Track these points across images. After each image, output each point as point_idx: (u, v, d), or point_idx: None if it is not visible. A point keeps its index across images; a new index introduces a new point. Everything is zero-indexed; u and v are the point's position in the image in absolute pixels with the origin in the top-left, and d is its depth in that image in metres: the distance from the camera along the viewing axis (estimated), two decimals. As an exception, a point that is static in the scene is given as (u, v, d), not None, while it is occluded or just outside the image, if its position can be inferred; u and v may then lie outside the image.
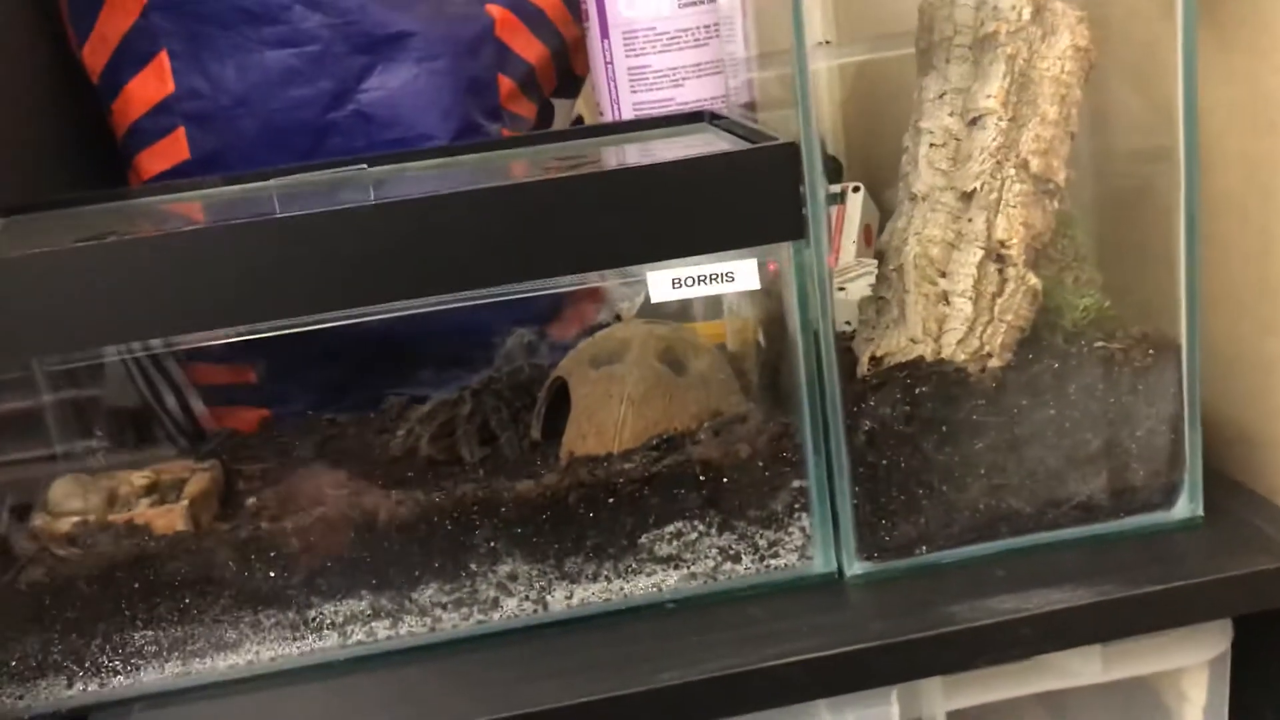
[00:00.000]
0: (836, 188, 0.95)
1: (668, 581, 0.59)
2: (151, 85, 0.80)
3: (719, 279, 0.56)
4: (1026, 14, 0.60)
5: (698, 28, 0.82)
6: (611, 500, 0.59)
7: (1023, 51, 0.60)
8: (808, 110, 0.55)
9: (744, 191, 0.55)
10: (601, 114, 0.87)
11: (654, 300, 0.56)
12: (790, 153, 0.55)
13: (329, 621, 0.58)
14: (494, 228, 0.54)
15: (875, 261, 0.89)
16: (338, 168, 0.71)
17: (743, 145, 0.62)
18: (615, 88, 0.85)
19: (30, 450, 0.69)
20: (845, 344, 0.65)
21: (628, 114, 0.84)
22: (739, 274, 0.56)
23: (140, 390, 0.78)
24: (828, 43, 0.82)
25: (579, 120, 1.01)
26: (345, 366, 0.80)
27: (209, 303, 0.53)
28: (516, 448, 0.68)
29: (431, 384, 0.80)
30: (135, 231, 0.60)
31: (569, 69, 0.93)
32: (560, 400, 0.68)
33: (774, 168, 0.55)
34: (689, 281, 0.56)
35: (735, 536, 0.59)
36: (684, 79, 0.83)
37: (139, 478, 0.67)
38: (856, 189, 1.00)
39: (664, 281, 0.56)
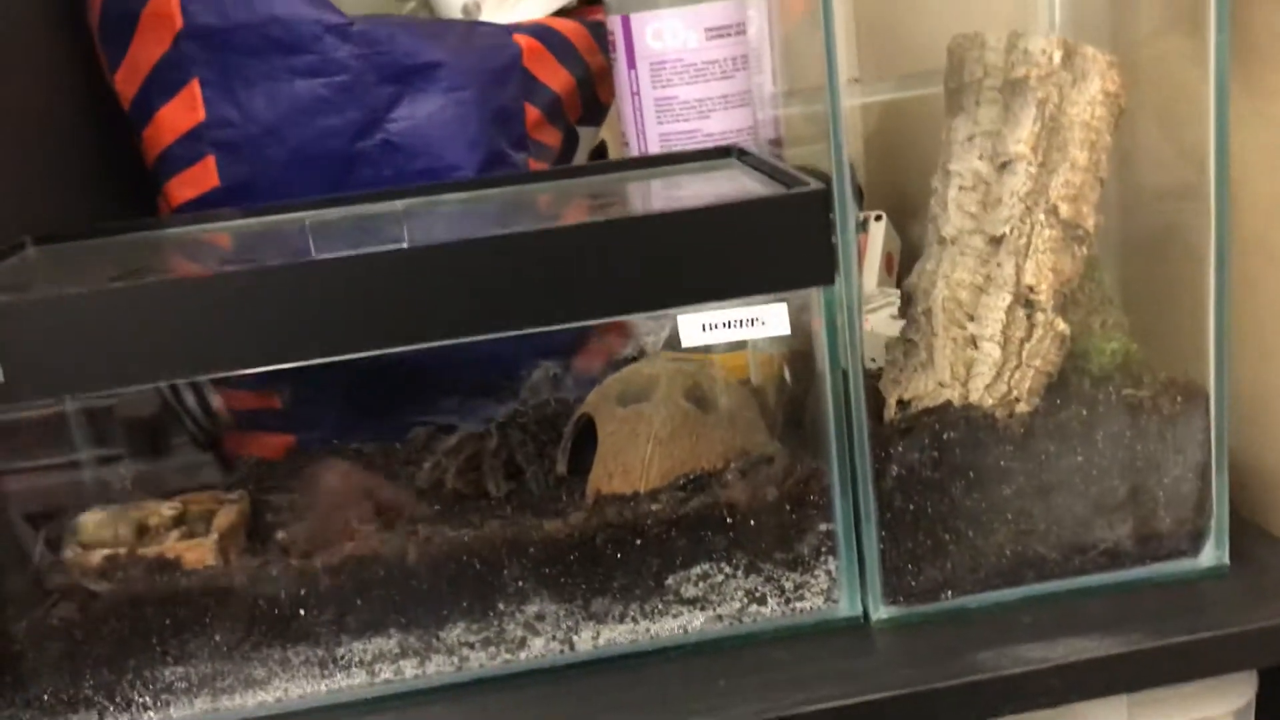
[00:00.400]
0: (859, 215, 0.95)
1: (694, 623, 0.59)
2: (182, 113, 0.81)
3: (749, 324, 0.56)
4: (1057, 58, 0.60)
5: (725, 59, 0.82)
6: (639, 541, 0.59)
7: (1053, 96, 0.60)
8: (840, 154, 0.56)
9: (775, 236, 0.55)
10: (627, 143, 0.87)
11: (684, 345, 0.56)
12: (821, 198, 0.55)
13: (357, 659, 0.58)
14: (527, 272, 0.54)
15: (897, 292, 0.90)
16: (368, 202, 0.73)
17: (772, 186, 0.62)
18: (642, 118, 0.85)
19: (53, 455, 0.70)
20: (871, 382, 0.65)
21: (654, 144, 0.85)
22: (769, 319, 0.56)
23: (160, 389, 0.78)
24: (856, 80, 0.82)
25: (602, 146, 1.01)
26: (370, 393, 0.80)
27: (245, 343, 0.54)
28: (542, 483, 0.68)
29: (456, 412, 0.81)
30: (169, 268, 0.61)
31: (594, 97, 0.93)
32: (586, 435, 0.68)
33: (805, 213, 0.55)
34: (719, 326, 0.56)
35: (761, 579, 0.60)
36: (711, 110, 0.83)
37: (168, 508, 0.67)
38: (879, 217, 1.00)
39: (694, 325, 0.56)
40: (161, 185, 0.83)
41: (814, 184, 0.56)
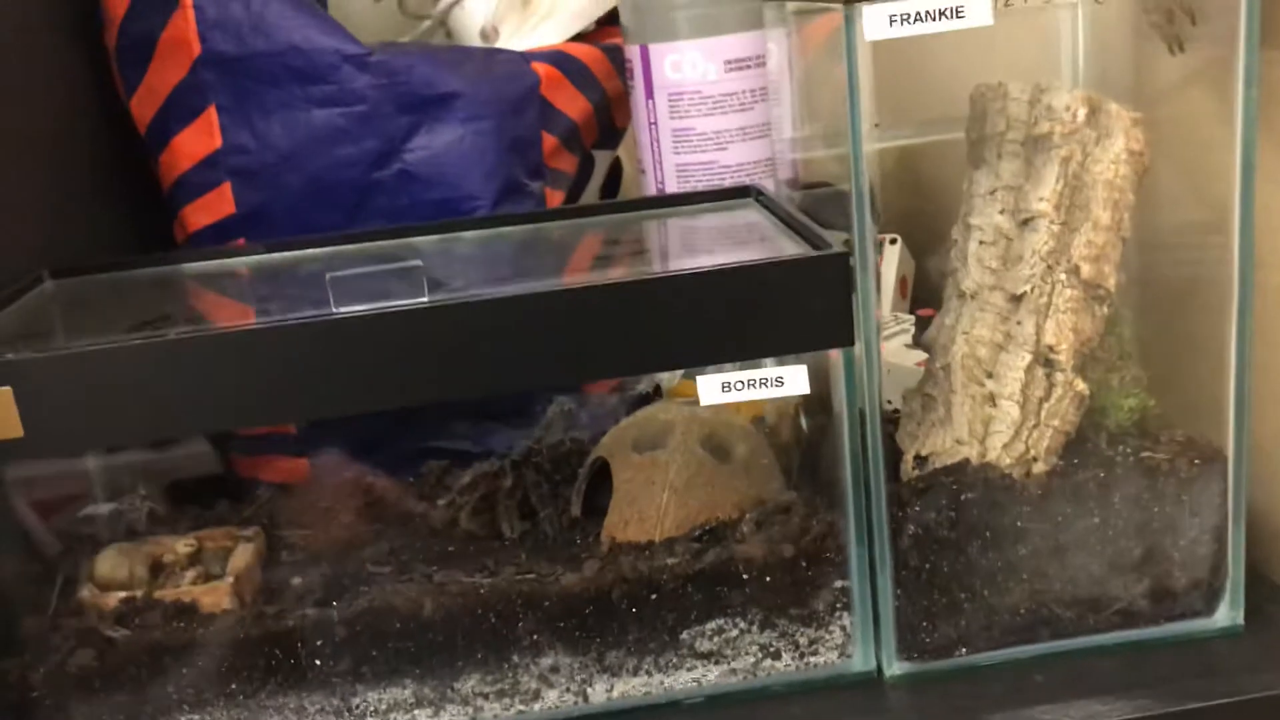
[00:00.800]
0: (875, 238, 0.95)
1: (708, 677, 0.60)
2: (199, 140, 0.81)
3: (769, 384, 0.56)
4: (1081, 115, 0.60)
5: (743, 91, 0.82)
6: (654, 596, 0.59)
7: (1077, 154, 0.60)
8: (863, 206, 0.56)
9: (797, 298, 0.55)
10: (643, 171, 0.87)
11: (704, 404, 0.56)
12: (843, 261, 0.55)
13: (372, 709, 0.59)
14: (548, 330, 0.54)
15: (911, 317, 0.89)
16: (384, 238, 0.72)
17: (790, 237, 0.62)
18: (659, 148, 0.85)
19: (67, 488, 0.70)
20: (888, 430, 0.65)
21: (671, 175, 0.84)
22: (789, 379, 0.56)
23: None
24: (876, 126, 0.82)
25: (617, 164, 1.01)
26: (383, 418, 0.80)
27: (265, 398, 0.54)
28: (556, 525, 0.68)
29: (468, 437, 0.81)
30: (190, 315, 0.61)
31: (610, 122, 0.93)
32: (600, 476, 0.68)
33: (827, 275, 0.55)
34: (739, 386, 0.56)
35: (776, 633, 0.60)
36: (728, 142, 0.83)
37: (183, 545, 0.67)
38: (894, 240, 1.00)
39: (714, 385, 0.56)
40: (177, 211, 0.83)
41: (836, 246, 0.56)
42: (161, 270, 0.71)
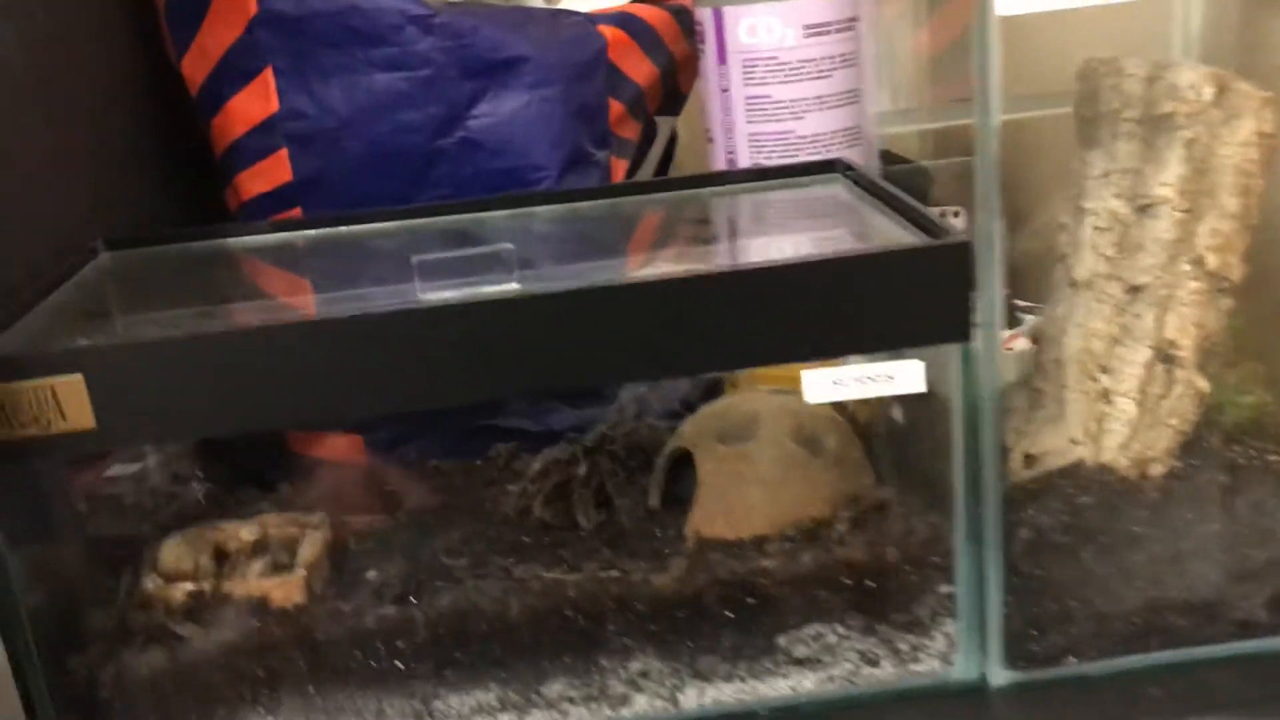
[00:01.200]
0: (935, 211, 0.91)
1: (804, 684, 0.57)
2: (255, 103, 0.77)
3: (881, 380, 0.53)
4: (1208, 94, 0.56)
5: (823, 58, 0.78)
6: (749, 598, 0.56)
7: (1202, 136, 0.56)
8: (992, 190, 0.52)
9: (912, 289, 0.52)
10: (711, 139, 0.83)
11: (808, 400, 0.53)
12: (964, 252, 0.52)
13: (455, 713, 0.56)
14: (649, 320, 0.51)
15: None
16: (454, 212, 0.69)
17: (889, 216, 0.59)
18: (731, 116, 0.81)
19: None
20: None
21: (743, 145, 0.81)
22: (902, 376, 0.53)
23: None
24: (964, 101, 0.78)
25: (674, 137, 0.97)
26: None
27: (352, 389, 0.51)
28: (635, 516, 0.65)
29: (527, 415, 0.78)
30: (258, 292, 0.58)
31: (675, 86, 0.89)
32: (678, 466, 0.65)
33: (946, 265, 0.52)
34: (849, 382, 0.53)
35: (876, 639, 0.57)
36: (805, 111, 0.79)
37: (246, 532, 0.65)
38: (956, 214, 0.96)
39: (822, 382, 0.53)
40: (231, 177, 0.79)
41: (956, 234, 0.52)
42: (222, 244, 0.67)
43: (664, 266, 0.62)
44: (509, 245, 0.52)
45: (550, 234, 0.66)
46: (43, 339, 0.52)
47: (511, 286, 0.52)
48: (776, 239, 0.68)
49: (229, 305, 0.56)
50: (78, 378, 0.49)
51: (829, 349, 0.53)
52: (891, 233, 0.57)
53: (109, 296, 0.62)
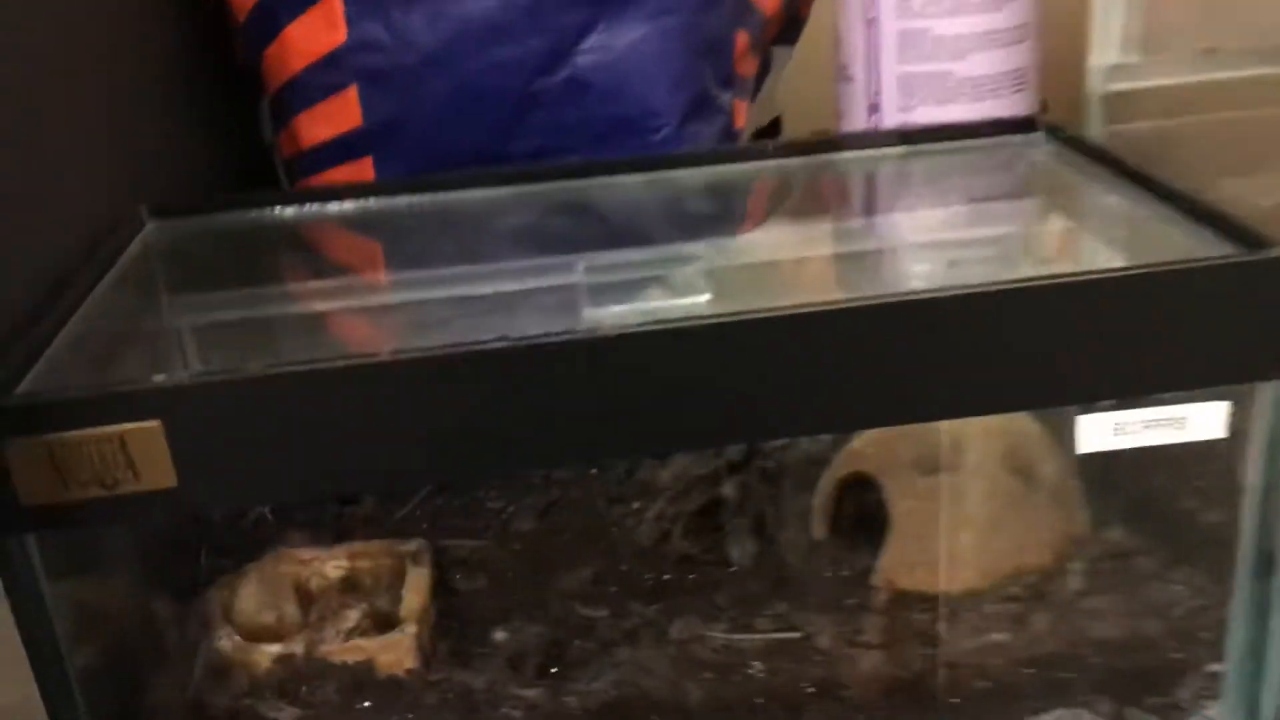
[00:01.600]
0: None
1: (1038, 778, 0.47)
2: (318, 32, 0.64)
3: (1172, 426, 0.42)
4: None
5: (996, -15, 0.66)
6: (974, 677, 0.46)
7: None
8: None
9: (1214, 313, 0.40)
10: (849, 79, 0.70)
11: (1081, 450, 0.42)
12: (1289, 266, 0.40)
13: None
14: (878, 352, 0.39)
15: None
16: (572, 177, 0.57)
17: (1161, 214, 0.47)
18: (877, 53, 0.68)
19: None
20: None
21: (889, 85, 0.68)
22: (1199, 421, 0.42)
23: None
24: (1213, 50, 0.66)
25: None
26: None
27: (500, 438, 0.39)
28: (798, 550, 0.55)
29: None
30: (345, 285, 0.46)
31: (796, 12, 0.76)
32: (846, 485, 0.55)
33: (1262, 284, 0.40)
34: (1135, 428, 0.42)
35: (1125, 726, 0.47)
36: (968, 50, 0.67)
37: (333, 568, 0.54)
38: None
39: (1102, 429, 0.41)
40: (289, 120, 0.66)
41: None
42: (275, 215, 0.55)
43: (910, 269, 0.51)
44: (699, 254, 0.40)
45: (693, 214, 0.54)
46: (103, 364, 0.40)
47: (702, 299, 0.41)
48: (1002, 230, 0.55)
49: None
50: (154, 425, 0.37)
51: (1112, 389, 0.41)
52: (1163, 230, 0.46)
53: (166, 287, 0.50)
